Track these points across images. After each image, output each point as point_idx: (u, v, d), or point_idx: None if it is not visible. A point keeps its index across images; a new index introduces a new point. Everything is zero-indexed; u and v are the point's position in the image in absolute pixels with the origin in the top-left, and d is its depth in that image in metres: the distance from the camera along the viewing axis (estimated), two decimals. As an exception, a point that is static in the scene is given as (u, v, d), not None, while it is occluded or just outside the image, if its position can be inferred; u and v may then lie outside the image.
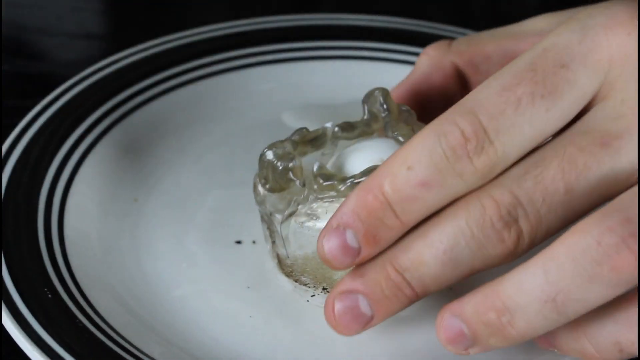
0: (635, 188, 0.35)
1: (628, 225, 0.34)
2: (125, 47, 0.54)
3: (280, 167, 0.41)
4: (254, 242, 0.46)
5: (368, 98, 0.43)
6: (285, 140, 0.42)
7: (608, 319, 0.36)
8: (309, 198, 0.41)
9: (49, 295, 0.41)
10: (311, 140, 0.43)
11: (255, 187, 0.43)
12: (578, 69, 0.37)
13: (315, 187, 0.41)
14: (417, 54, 0.55)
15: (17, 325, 0.39)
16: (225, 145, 0.51)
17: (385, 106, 0.43)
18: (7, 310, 0.40)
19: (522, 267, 0.35)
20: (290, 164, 0.41)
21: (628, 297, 0.36)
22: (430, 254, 0.37)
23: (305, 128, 0.43)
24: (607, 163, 0.36)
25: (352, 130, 0.43)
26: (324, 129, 0.43)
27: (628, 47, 0.37)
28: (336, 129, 0.43)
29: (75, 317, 0.41)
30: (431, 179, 0.36)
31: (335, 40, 0.55)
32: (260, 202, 0.43)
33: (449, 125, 0.36)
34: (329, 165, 0.42)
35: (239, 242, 0.46)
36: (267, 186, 0.42)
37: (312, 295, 0.43)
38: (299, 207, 0.42)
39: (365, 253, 0.38)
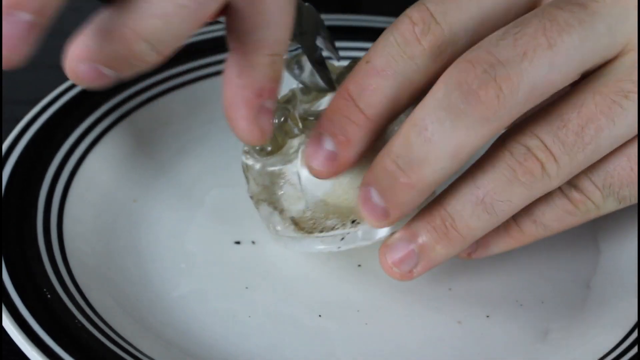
0: (550, 109, 0.38)
1: (531, 140, 0.37)
2: (125, 48, 0.54)
3: (278, 121, 0.42)
4: (253, 242, 0.46)
5: (292, 70, 0.44)
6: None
7: None
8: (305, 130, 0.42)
9: (49, 296, 0.41)
10: (285, 102, 0.43)
11: (246, 166, 0.43)
12: None
13: (303, 102, 0.42)
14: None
15: (17, 326, 0.39)
16: (224, 146, 0.51)
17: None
18: (6, 311, 0.40)
19: (458, 178, 0.39)
20: (288, 113, 0.42)
21: None
22: (415, 133, 0.37)
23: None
24: (587, 22, 0.37)
25: (310, 93, 0.44)
26: (293, 91, 0.44)
27: None
28: (299, 92, 0.44)
29: (75, 317, 0.41)
30: (385, 66, 0.38)
31: (335, 40, 0.55)
32: (258, 173, 0.43)
33: (400, 18, 0.39)
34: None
35: (237, 243, 0.46)
36: (268, 149, 0.42)
37: (342, 239, 0.43)
38: (300, 150, 0.42)
39: (343, 155, 0.39)
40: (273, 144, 0.42)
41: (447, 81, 0.37)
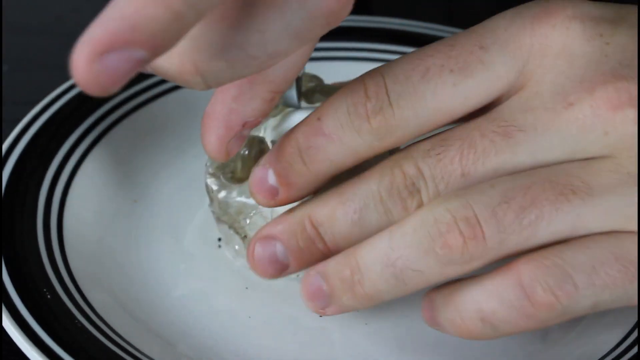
0: (495, 183, 0.36)
1: (464, 209, 0.36)
2: (125, 48, 0.54)
3: (254, 153, 0.42)
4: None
5: None
6: None
7: (473, 284, 0.36)
8: None
9: (48, 296, 0.41)
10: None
11: (212, 191, 0.43)
12: (495, 53, 0.37)
13: None
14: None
15: (17, 326, 0.39)
16: (224, 146, 0.51)
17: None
18: (6, 312, 0.40)
19: (380, 232, 0.37)
20: (264, 146, 0.42)
21: (497, 267, 0.36)
22: (342, 211, 0.38)
23: None
24: (506, 153, 0.37)
25: (276, 107, 0.44)
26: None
27: (550, 38, 0.37)
28: None
29: (75, 317, 0.41)
30: (332, 131, 0.38)
31: (335, 41, 0.55)
32: (224, 201, 0.43)
33: (357, 83, 0.38)
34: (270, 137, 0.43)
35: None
36: (238, 177, 0.42)
37: None
38: None
39: (283, 195, 0.39)
40: (244, 172, 0.42)
41: (381, 176, 0.38)
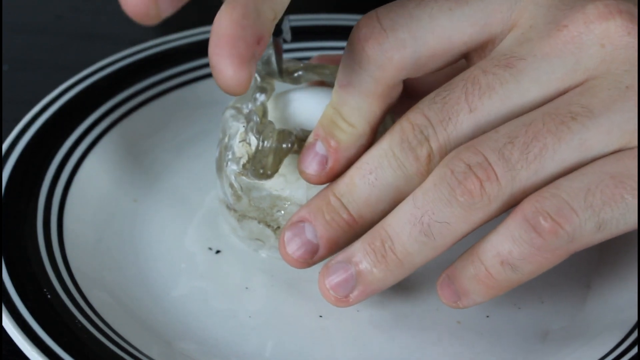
0: (499, 129, 0.38)
1: (475, 156, 0.37)
2: (125, 48, 0.54)
3: (286, 146, 0.42)
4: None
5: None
6: (262, 123, 0.43)
7: (491, 233, 0.38)
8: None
9: (48, 296, 0.41)
10: (264, 117, 0.44)
11: (241, 189, 0.43)
12: None
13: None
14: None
15: (17, 326, 0.39)
16: (224, 146, 0.51)
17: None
18: (6, 311, 0.40)
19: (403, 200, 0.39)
20: (292, 139, 0.42)
21: (509, 213, 0.38)
22: (359, 175, 0.40)
23: (247, 110, 0.44)
24: (510, 83, 0.38)
25: (266, 90, 0.44)
26: (264, 104, 0.44)
27: None
28: (262, 97, 0.44)
29: (75, 317, 0.41)
30: (343, 80, 0.40)
31: (332, 40, 0.55)
32: (259, 197, 0.43)
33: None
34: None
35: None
36: (269, 172, 0.42)
37: None
38: None
39: (331, 161, 0.40)
40: (274, 167, 0.42)
41: (392, 134, 0.39)
